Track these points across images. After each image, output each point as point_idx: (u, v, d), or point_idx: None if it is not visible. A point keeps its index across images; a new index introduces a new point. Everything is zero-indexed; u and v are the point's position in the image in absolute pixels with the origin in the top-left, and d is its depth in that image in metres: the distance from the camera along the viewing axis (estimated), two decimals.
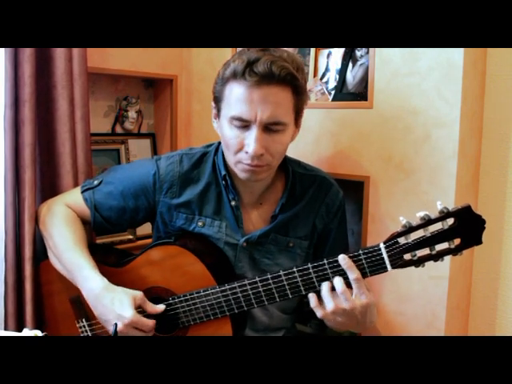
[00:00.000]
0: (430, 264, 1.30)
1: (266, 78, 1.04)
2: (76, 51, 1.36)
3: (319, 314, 1.01)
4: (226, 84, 1.09)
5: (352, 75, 1.47)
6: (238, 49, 1.22)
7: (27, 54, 1.24)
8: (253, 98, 1.05)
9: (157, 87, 1.84)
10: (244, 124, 1.08)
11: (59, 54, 1.33)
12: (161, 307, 1.12)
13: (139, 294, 1.11)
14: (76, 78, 1.37)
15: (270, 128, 1.08)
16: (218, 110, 1.15)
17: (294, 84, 1.08)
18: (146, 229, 1.62)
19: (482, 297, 1.47)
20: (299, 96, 1.11)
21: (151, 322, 1.09)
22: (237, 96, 1.07)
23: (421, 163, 1.31)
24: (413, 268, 1.33)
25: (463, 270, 1.42)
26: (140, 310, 1.11)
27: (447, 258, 1.29)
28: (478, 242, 0.98)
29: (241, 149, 1.10)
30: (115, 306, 1.08)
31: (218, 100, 1.14)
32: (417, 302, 1.35)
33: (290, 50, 1.56)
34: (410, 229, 0.98)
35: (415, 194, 1.33)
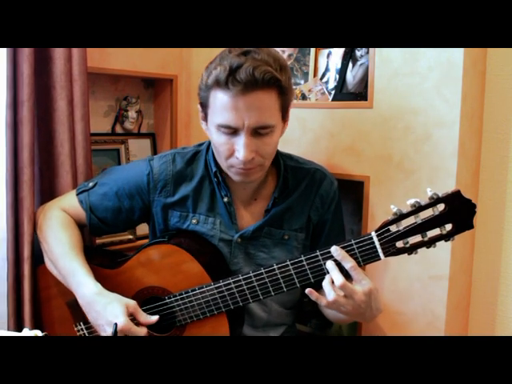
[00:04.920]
0: (430, 263, 1.31)
1: (249, 85, 1.03)
2: (75, 51, 1.36)
3: (323, 303, 1.01)
4: (210, 91, 1.09)
5: (352, 75, 1.47)
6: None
7: (26, 53, 1.24)
8: (238, 106, 1.05)
9: (157, 87, 1.84)
10: (232, 131, 1.08)
11: (58, 53, 1.33)
12: (153, 318, 1.12)
13: (132, 302, 1.11)
14: (75, 78, 1.37)
15: (258, 132, 1.08)
16: (205, 114, 1.15)
17: (279, 85, 1.07)
18: (146, 228, 1.62)
19: (482, 297, 1.46)
20: (284, 95, 1.11)
21: (143, 331, 1.09)
22: (222, 104, 1.07)
23: (421, 163, 1.31)
24: (413, 268, 1.34)
25: (463, 270, 1.42)
26: (132, 317, 1.10)
27: (447, 258, 1.29)
28: (470, 226, 0.98)
29: (231, 155, 1.10)
30: (107, 313, 1.08)
31: (204, 105, 1.14)
32: (417, 301, 1.35)
33: (291, 50, 1.58)
34: (400, 216, 0.99)
35: (415, 194, 1.32)
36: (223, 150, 1.11)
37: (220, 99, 1.07)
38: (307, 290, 1.01)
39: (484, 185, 1.43)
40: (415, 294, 1.35)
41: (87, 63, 1.40)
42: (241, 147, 1.07)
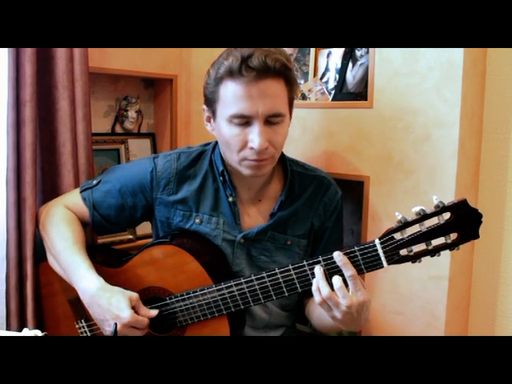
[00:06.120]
0: (429, 264, 1.31)
1: (262, 72, 1.05)
2: (77, 51, 1.36)
3: (317, 299, 1.01)
4: (220, 83, 1.09)
5: (352, 75, 1.47)
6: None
7: (28, 54, 1.24)
8: (252, 94, 1.06)
9: (157, 87, 1.84)
10: (245, 120, 1.08)
11: (60, 54, 1.33)
12: (154, 312, 1.12)
13: (135, 295, 1.11)
14: (77, 77, 1.37)
15: (270, 121, 1.09)
16: (213, 111, 1.15)
17: (287, 75, 1.10)
18: (146, 229, 1.63)
19: (482, 297, 1.47)
20: (292, 86, 1.13)
21: (146, 320, 1.09)
22: (235, 93, 1.07)
23: (421, 163, 1.31)
24: (412, 268, 1.33)
25: (463, 270, 1.42)
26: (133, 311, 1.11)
27: (447, 258, 1.29)
28: (475, 236, 0.97)
29: (244, 146, 1.10)
30: (112, 306, 1.08)
31: (211, 101, 1.14)
32: (417, 302, 1.35)
33: (291, 50, 1.58)
34: (405, 224, 0.98)
35: (415, 194, 1.33)
36: (236, 142, 1.10)
37: (232, 89, 1.07)
38: (314, 280, 1.01)
39: (484, 185, 1.43)
40: (415, 295, 1.35)
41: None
42: (255, 136, 1.08)
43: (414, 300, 1.36)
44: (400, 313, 1.39)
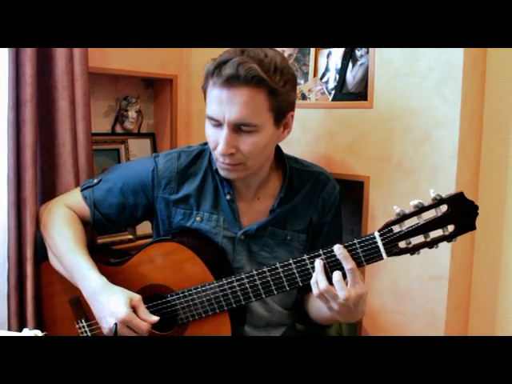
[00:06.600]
0: (429, 264, 1.31)
1: (232, 80, 1.05)
2: (77, 51, 1.36)
3: (315, 291, 1.02)
4: (206, 83, 1.13)
5: (352, 75, 1.47)
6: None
7: (28, 54, 1.24)
8: (222, 99, 1.08)
9: (157, 87, 1.84)
10: (217, 123, 1.11)
11: (60, 54, 1.33)
12: (154, 318, 1.10)
13: (137, 296, 1.11)
14: (77, 78, 1.37)
15: (240, 128, 1.10)
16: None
17: (267, 85, 1.07)
18: (145, 228, 1.62)
19: (482, 297, 1.47)
20: (276, 97, 1.09)
21: (146, 326, 1.08)
22: (210, 96, 1.11)
23: (421, 163, 1.31)
24: (412, 268, 1.34)
25: (463, 270, 1.42)
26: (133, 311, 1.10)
27: (447, 258, 1.30)
28: (472, 227, 0.99)
29: (216, 147, 1.12)
30: (111, 304, 1.08)
31: (205, 98, 1.17)
32: (417, 301, 1.35)
33: (291, 50, 1.58)
34: (403, 216, 1.00)
35: (415, 194, 1.33)
36: (210, 141, 1.14)
37: (209, 90, 1.11)
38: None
39: (484, 185, 1.43)
40: (415, 294, 1.35)
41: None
42: (220, 140, 1.10)
43: (414, 300, 1.36)
44: (400, 313, 1.39)
